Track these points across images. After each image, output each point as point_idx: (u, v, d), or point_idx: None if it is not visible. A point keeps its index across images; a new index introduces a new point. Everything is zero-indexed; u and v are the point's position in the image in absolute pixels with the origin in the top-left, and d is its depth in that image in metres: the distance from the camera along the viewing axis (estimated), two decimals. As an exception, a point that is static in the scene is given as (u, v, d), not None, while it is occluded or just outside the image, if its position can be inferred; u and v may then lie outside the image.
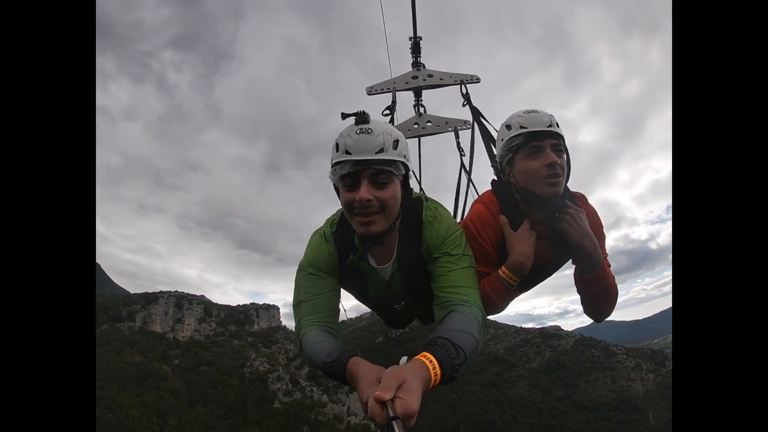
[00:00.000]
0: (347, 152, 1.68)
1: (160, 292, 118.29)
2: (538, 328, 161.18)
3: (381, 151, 1.67)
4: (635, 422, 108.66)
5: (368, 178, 1.69)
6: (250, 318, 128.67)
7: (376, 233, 1.74)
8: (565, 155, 2.00)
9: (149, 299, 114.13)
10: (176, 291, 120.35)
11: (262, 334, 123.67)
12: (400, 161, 1.74)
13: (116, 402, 75.05)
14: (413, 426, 1.14)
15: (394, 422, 1.08)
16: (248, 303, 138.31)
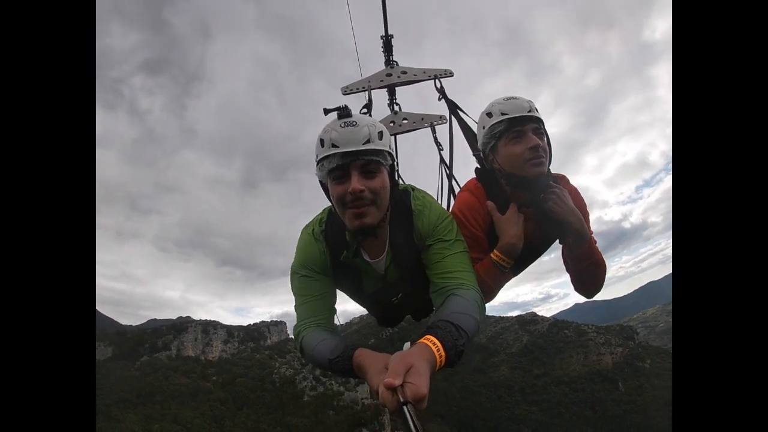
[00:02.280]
0: (334, 146, 1.63)
1: (189, 319, 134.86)
2: (515, 316, 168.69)
3: (368, 141, 1.63)
4: (607, 391, 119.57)
5: (358, 170, 1.64)
6: (263, 335, 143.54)
7: (369, 225, 1.69)
8: (546, 138, 2.02)
9: (179, 329, 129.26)
10: (200, 318, 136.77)
11: (276, 348, 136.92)
12: (386, 151, 1.70)
13: (179, 417, 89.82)
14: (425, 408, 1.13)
15: (405, 407, 1.06)
16: (259, 321, 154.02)
